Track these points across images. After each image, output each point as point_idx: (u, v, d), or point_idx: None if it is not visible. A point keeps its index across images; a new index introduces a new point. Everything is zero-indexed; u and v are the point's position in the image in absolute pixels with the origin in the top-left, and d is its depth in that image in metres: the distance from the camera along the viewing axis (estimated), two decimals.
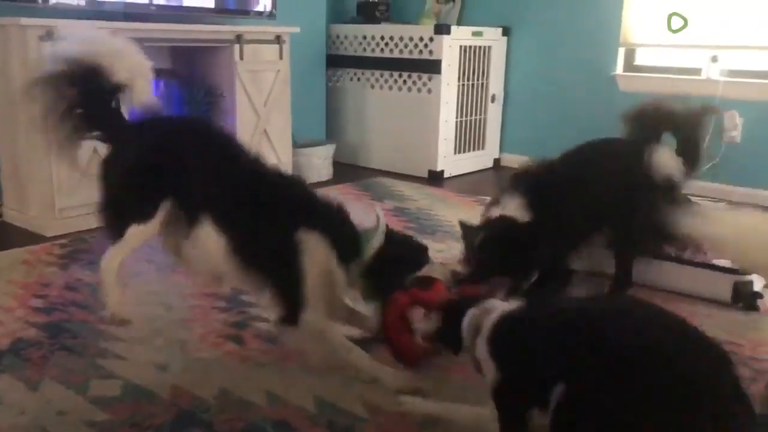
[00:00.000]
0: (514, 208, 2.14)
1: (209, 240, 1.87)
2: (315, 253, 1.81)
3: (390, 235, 1.92)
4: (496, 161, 4.85)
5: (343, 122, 4.75)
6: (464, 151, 4.57)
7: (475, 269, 2.10)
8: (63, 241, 2.87)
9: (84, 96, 1.96)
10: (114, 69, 1.98)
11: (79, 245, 2.81)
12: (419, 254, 1.95)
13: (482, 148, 4.71)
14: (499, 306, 1.51)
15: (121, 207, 1.99)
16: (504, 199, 2.20)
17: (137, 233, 1.97)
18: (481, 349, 1.47)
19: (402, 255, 1.91)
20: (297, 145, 4.09)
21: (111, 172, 2.00)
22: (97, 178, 2.01)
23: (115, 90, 2.01)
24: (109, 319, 2.06)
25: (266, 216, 1.85)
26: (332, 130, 4.74)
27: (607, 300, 1.36)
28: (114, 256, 2.02)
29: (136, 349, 1.93)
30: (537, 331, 1.39)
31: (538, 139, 4.65)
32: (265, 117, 3.79)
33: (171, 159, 1.93)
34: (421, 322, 1.72)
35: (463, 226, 2.24)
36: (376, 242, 1.87)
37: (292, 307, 1.80)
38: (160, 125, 2.07)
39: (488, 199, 2.51)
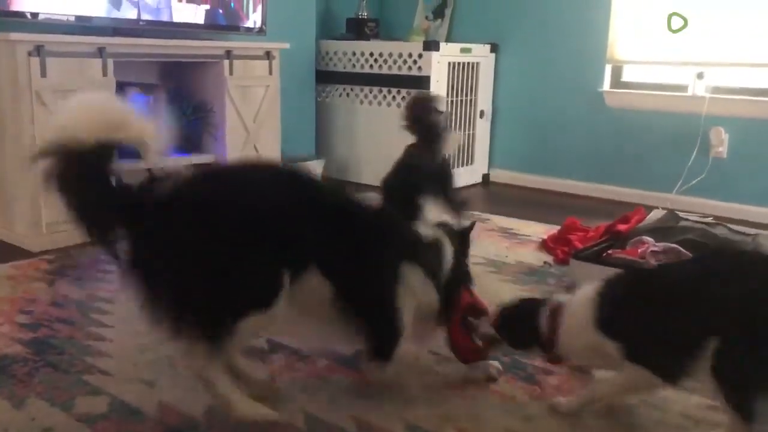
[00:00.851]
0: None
1: (315, 290, 1.64)
2: (414, 286, 1.76)
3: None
4: (485, 176, 4.86)
5: (333, 138, 4.76)
6: (453, 167, 4.58)
7: None
8: (49, 256, 2.85)
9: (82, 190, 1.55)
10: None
11: (66, 261, 2.79)
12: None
13: (471, 164, 4.73)
14: (572, 296, 1.62)
15: (226, 292, 1.51)
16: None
17: (256, 323, 1.57)
18: (587, 333, 1.56)
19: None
20: (286, 160, 4.09)
21: (187, 252, 1.49)
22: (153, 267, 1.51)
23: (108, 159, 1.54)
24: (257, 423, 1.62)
25: (369, 256, 1.71)
26: (322, 146, 4.75)
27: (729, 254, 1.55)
28: (212, 361, 1.58)
29: (123, 365, 1.91)
30: (676, 292, 1.47)
31: (526, 154, 4.69)
32: (254, 132, 3.79)
33: (275, 216, 1.56)
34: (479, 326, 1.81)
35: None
36: (448, 264, 1.86)
37: (386, 343, 1.74)
38: (233, 179, 1.64)
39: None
